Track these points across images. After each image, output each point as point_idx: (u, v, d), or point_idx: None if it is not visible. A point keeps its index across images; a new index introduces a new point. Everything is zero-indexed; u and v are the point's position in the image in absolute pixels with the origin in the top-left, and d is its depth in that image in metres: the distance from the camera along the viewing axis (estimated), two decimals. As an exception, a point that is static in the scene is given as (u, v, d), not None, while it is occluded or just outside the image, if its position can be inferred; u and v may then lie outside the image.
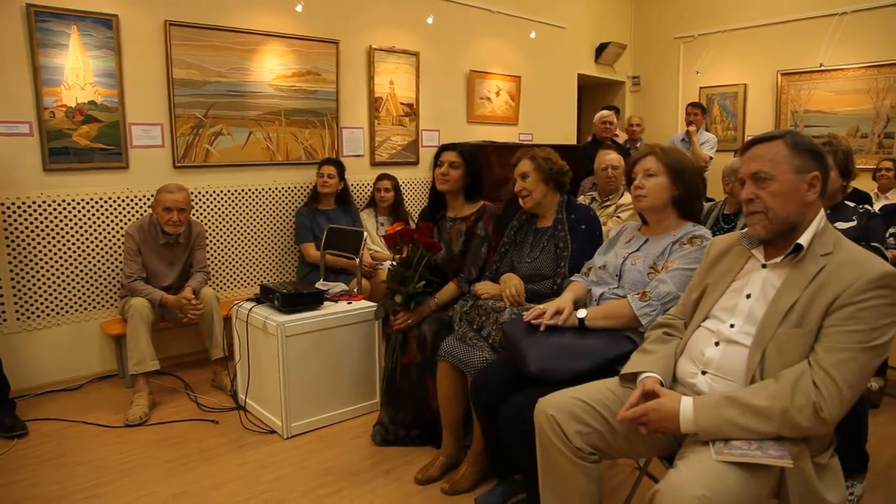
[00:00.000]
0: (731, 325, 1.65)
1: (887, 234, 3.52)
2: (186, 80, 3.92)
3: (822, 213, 1.63)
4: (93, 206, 3.69)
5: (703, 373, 1.65)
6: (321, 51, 4.51)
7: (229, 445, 2.89)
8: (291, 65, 4.38)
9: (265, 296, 3.12)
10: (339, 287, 3.38)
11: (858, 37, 5.76)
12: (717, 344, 1.65)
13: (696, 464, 1.43)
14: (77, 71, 3.57)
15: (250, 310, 3.08)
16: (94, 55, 3.61)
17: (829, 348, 1.46)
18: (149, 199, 3.83)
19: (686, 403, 1.52)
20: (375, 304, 3.10)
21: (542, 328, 2.08)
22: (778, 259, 1.63)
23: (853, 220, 2.90)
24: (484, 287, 2.59)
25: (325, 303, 3.15)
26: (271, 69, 4.29)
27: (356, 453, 2.80)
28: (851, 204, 3.00)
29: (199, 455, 2.79)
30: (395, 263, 2.80)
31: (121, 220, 3.78)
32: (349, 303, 3.21)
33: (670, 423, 1.53)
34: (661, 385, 1.65)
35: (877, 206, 4.12)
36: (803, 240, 1.58)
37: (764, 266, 1.67)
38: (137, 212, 3.83)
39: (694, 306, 1.81)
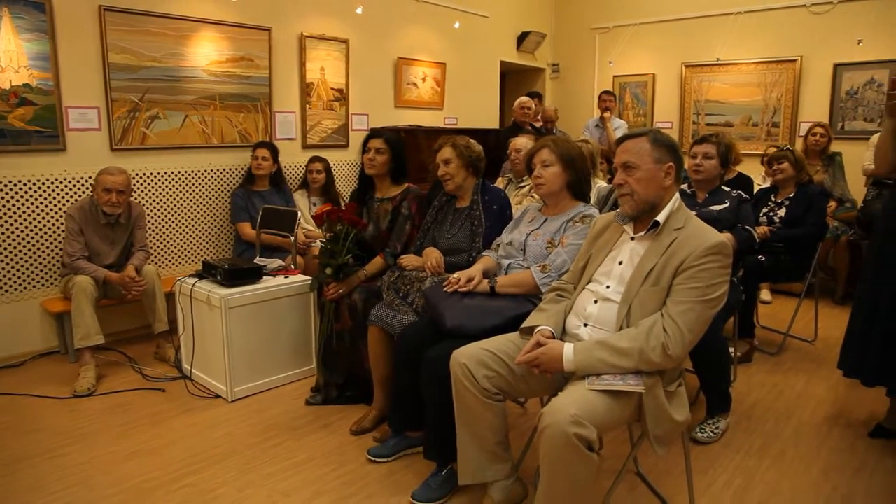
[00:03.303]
0: (607, 287, 2.05)
1: (761, 214, 4.05)
2: (122, 65, 4.04)
3: (676, 195, 2.04)
4: (30, 188, 3.79)
5: (585, 325, 2.05)
6: (254, 37, 4.69)
7: (177, 410, 3.13)
8: (225, 51, 4.54)
9: (207, 271, 3.35)
10: (277, 263, 3.64)
11: (750, 35, 6.37)
12: (595, 301, 2.05)
13: (573, 392, 1.83)
14: (10, 54, 3.64)
15: (194, 285, 3.30)
16: (27, 38, 3.69)
17: (675, 301, 1.88)
18: (87, 181, 3.96)
19: (568, 348, 1.91)
20: (310, 277, 3.38)
21: (451, 289, 2.44)
22: (642, 233, 2.04)
23: (726, 203, 3.39)
24: (408, 259, 2.93)
25: (264, 277, 3.41)
26: (206, 55, 4.44)
27: (296, 412, 3.11)
28: (727, 189, 3.49)
29: (150, 419, 3.03)
30: (322, 241, 3.09)
31: (59, 202, 3.89)
32: (286, 277, 3.48)
33: (556, 364, 1.91)
34: (552, 336, 2.03)
35: (763, 187, 4.68)
36: (661, 217, 1.99)
37: (633, 238, 2.07)
38: (75, 193, 3.95)
39: (581, 273, 2.20)
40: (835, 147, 5.28)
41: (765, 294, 5.10)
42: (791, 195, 3.97)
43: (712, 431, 2.84)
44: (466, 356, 2.08)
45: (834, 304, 5.00)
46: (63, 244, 3.68)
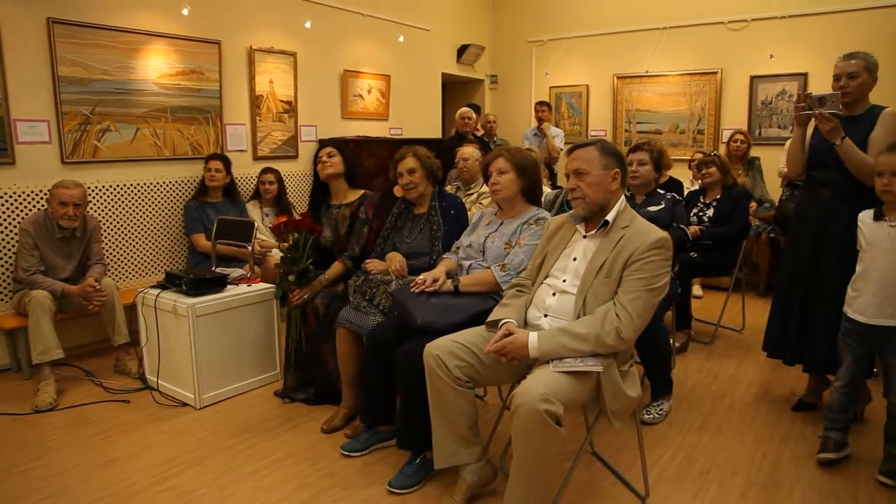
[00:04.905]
0: (564, 280, 2.27)
1: (691, 214, 4.40)
2: (72, 78, 4.02)
3: (622, 197, 2.29)
4: (-21, 203, 3.73)
5: (545, 316, 2.26)
6: (204, 51, 4.74)
7: (146, 419, 3.17)
8: (176, 64, 4.57)
9: (171, 282, 3.39)
10: (238, 272, 3.72)
11: (676, 49, 6.83)
12: (554, 294, 2.27)
13: (540, 375, 2.03)
14: (-45, 68, 3.60)
15: (158, 295, 3.35)
16: (-28, 52, 3.65)
17: (625, 291, 2.12)
18: (37, 195, 3.92)
19: (532, 336, 2.11)
20: (271, 285, 3.48)
21: (418, 290, 2.61)
22: (593, 231, 2.27)
23: (662, 204, 3.69)
24: (373, 264, 3.08)
25: (228, 286, 3.48)
26: (156, 68, 4.46)
27: (265, 415, 3.20)
28: (662, 191, 3.80)
29: (119, 429, 3.05)
30: (282, 250, 3.21)
31: (9, 217, 3.84)
32: (249, 285, 3.56)
33: (522, 351, 2.11)
34: (516, 326, 2.23)
35: (692, 189, 5.05)
36: (609, 217, 2.23)
37: (585, 237, 2.30)
38: (26, 208, 3.90)
39: (538, 269, 2.42)
40: (753, 152, 5.74)
41: (696, 289, 5.48)
42: (718, 197, 4.34)
43: (657, 413, 3.12)
44: (439, 348, 2.25)
45: (758, 296, 5.43)
46: (16, 259, 3.63)
